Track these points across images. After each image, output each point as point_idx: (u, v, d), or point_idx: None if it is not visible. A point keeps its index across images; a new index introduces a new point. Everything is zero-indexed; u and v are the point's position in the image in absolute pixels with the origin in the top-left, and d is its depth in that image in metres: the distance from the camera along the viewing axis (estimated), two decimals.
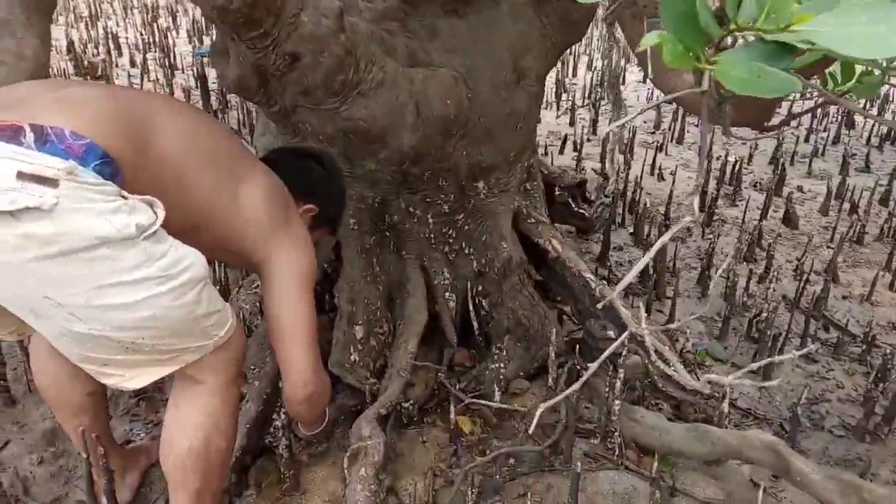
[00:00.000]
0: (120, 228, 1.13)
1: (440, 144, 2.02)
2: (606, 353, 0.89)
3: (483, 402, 1.94)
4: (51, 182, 1.09)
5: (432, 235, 2.23)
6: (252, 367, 1.88)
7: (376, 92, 1.86)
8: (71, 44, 5.87)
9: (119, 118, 1.25)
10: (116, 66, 5.82)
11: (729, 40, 0.69)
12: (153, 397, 2.04)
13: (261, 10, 1.57)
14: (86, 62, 5.31)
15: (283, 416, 1.71)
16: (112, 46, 6.18)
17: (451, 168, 2.11)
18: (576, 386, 0.92)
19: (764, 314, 2.43)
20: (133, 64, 5.81)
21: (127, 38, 6.85)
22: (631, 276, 0.78)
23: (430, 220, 2.21)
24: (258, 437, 1.84)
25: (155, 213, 1.23)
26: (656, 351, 2.11)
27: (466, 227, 2.25)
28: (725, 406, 1.91)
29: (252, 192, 1.49)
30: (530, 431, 1.97)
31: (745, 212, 3.35)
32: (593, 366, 0.89)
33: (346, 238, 2.11)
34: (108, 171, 1.17)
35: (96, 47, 6.31)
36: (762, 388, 2.24)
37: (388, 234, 2.20)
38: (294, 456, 1.78)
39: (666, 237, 0.88)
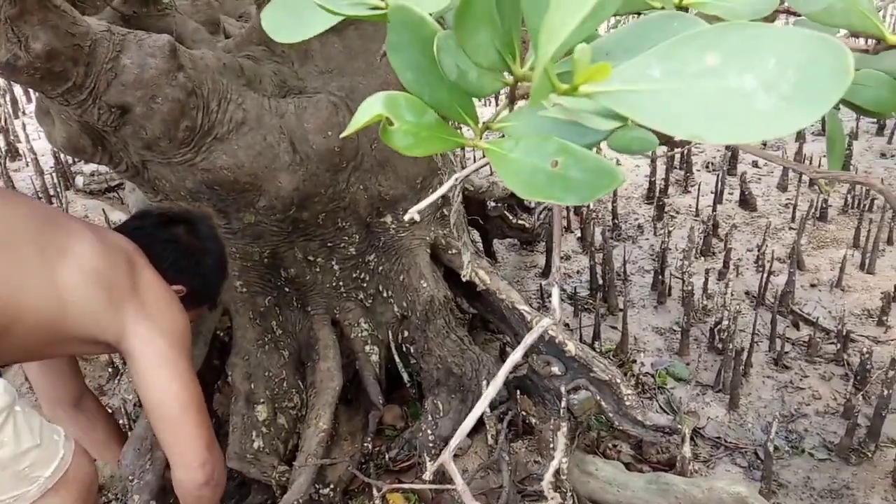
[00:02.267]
0: None
1: (329, 182, 1.73)
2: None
3: (407, 485, 1.66)
4: None
5: (341, 284, 1.94)
6: (130, 477, 1.58)
7: (237, 134, 1.57)
8: None
9: None
10: (24, 113, 5.41)
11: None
12: None
13: (62, 62, 1.28)
14: None
15: None
16: (21, 91, 5.76)
17: (348, 206, 1.82)
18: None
19: (725, 321, 2.18)
20: None
21: None
22: None
23: (336, 267, 1.92)
24: None
25: None
26: (607, 382, 1.81)
27: (380, 269, 1.97)
28: (686, 451, 1.66)
29: (72, 269, 1.19)
30: None
31: (697, 198, 3.10)
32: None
33: (234, 303, 1.81)
34: None
35: (3, 95, 5.89)
36: (731, 410, 1.99)
37: (286, 290, 1.90)
38: None
39: (517, 354, 0.62)
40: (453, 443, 0.64)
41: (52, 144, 1.58)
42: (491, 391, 0.62)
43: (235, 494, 1.71)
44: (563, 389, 1.69)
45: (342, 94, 1.72)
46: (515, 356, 0.66)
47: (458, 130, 0.48)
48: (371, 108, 0.40)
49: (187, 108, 1.46)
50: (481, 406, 0.64)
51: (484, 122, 0.47)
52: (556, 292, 0.68)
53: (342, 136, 0.44)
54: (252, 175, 1.61)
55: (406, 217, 0.61)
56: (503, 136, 0.45)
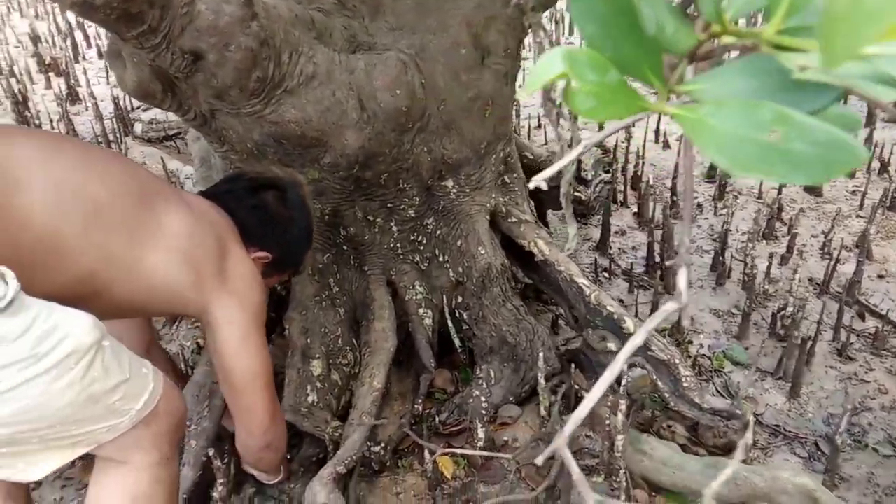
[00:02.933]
0: None
1: (394, 142, 1.70)
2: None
3: (461, 450, 1.65)
4: None
5: (398, 245, 1.92)
6: (188, 423, 1.60)
7: (307, 88, 1.54)
8: (36, 37, 5.54)
9: None
10: (84, 59, 5.49)
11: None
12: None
13: (138, 4, 1.26)
14: (48, 58, 4.98)
15: (220, 489, 1.44)
16: (81, 37, 5.84)
17: (410, 167, 1.79)
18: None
19: (789, 307, 2.10)
20: (101, 55, 5.47)
21: (95, 27, 6.49)
22: None
23: (394, 229, 1.90)
24: None
25: (6, 282, 0.97)
26: (665, 362, 1.77)
27: (438, 233, 1.94)
28: (749, 437, 1.61)
29: (160, 253, 1.21)
30: (522, 474, 1.69)
31: (760, 180, 2.99)
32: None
33: None
34: None
35: (64, 39, 5.98)
36: (792, 398, 1.94)
37: (344, 248, 1.89)
38: None
39: (638, 338, 0.59)
40: (568, 429, 0.61)
41: (121, 88, 1.58)
42: (608, 376, 0.59)
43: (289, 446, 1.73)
44: (629, 368, 1.65)
45: (412, 52, 1.68)
46: (637, 340, 0.62)
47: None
48: (552, 66, 0.37)
49: (259, 59, 1.44)
50: (601, 387, 0.61)
51: (668, 86, 0.43)
52: (683, 273, 0.64)
53: (528, 92, 0.41)
54: (319, 130, 1.59)
55: (531, 185, 0.58)
56: (691, 101, 0.41)
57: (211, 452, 1.45)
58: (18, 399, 0.97)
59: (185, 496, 1.52)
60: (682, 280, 0.64)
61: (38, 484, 1.70)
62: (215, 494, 1.45)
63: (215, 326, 1.30)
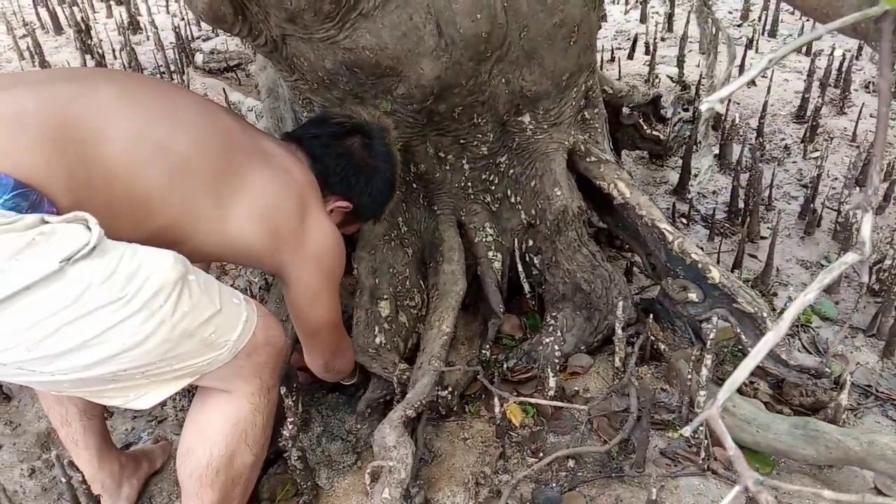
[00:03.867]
0: (34, 269, 0.91)
1: (471, 72, 1.59)
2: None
3: (533, 399, 1.59)
4: None
5: (469, 185, 1.83)
6: None
7: (383, 12, 1.44)
8: None
9: (45, 132, 0.99)
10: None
11: None
12: None
13: None
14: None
15: (290, 427, 1.42)
16: None
17: (486, 101, 1.68)
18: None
19: (887, 260, 1.95)
20: None
21: None
22: None
23: (466, 167, 1.81)
24: (269, 443, 1.56)
25: (89, 228, 0.99)
26: (750, 315, 1.66)
27: (511, 172, 1.84)
28: (844, 398, 1.50)
29: (242, 213, 1.21)
30: (595, 426, 1.63)
31: (856, 122, 2.75)
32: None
33: None
34: (25, 204, 0.94)
35: None
36: (886, 357, 1.81)
37: (414, 186, 1.82)
38: (309, 466, 1.50)
39: (810, 294, 0.52)
40: (721, 396, 0.53)
41: (191, 10, 1.50)
42: (768, 340, 0.52)
43: (360, 387, 1.71)
44: (714, 319, 1.56)
45: None
46: (809, 297, 0.53)
47: None
48: None
49: None
50: (758, 355, 0.52)
51: None
52: (868, 219, 0.54)
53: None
54: (394, 59, 1.49)
55: (703, 108, 0.48)
56: None
57: (282, 391, 1.43)
58: (114, 340, 0.98)
59: None
60: (865, 227, 0.54)
61: (110, 414, 1.73)
62: (285, 432, 1.44)
63: (288, 283, 1.33)
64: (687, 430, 0.53)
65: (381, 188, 1.49)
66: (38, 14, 4.27)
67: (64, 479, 1.33)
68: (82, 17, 3.82)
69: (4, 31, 4.12)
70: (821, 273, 0.48)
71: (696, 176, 2.39)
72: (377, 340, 1.68)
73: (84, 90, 1.08)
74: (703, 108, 0.42)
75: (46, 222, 0.95)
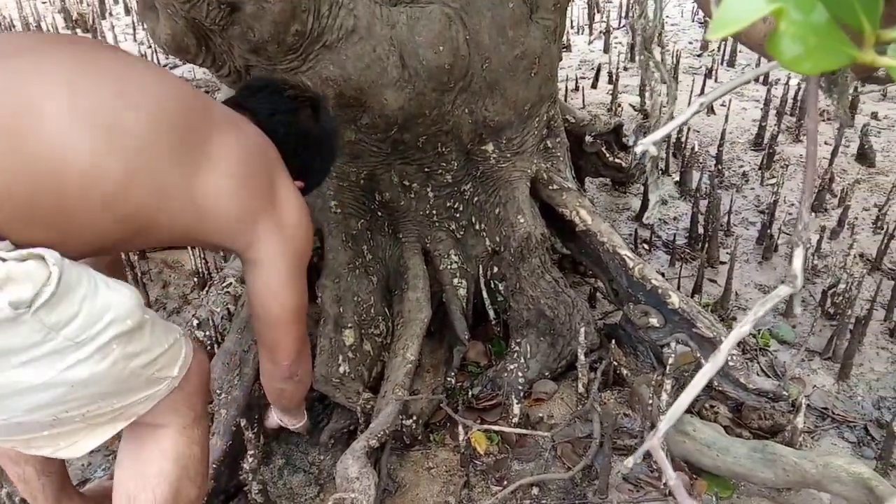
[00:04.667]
0: None
1: (435, 103, 1.61)
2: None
3: (497, 427, 1.60)
4: None
5: (434, 212, 1.85)
6: (217, 391, 1.57)
7: (346, 43, 1.46)
8: None
9: None
10: (111, 14, 5.41)
11: None
12: None
13: None
14: (75, 14, 4.91)
15: (251, 460, 1.40)
16: None
17: (450, 130, 1.71)
18: None
19: (841, 284, 2.00)
20: (128, 11, 5.39)
21: None
22: None
23: (431, 195, 1.82)
24: (229, 476, 1.54)
25: (49, 270, 0.91)
26: (710, 340, 1.69)
27: (475, 200, 1.86)
28: (800, 421, 1.54)
29: (210, 182, 1.10)
30: (558, 452, 1.64)
31: None
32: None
33: (328, 224, 1.74)
34: None
35: None
36: (841, 380, 1.85)
37: (379, 214, 1.82)
38: (270, 499, 1.48)
39: (745, 326, 0.54)
40: (662, 427, 0.54)
41: (154, 41, 1.51)
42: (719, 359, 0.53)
43: (323, 417, 1.70)
44: (673, 344, 1.58)
45: (457, 5, 1.57)
46: (744, 329, 0.55)
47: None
48: (751, 0, 0.28)
49: (298, 11, 1.35)
50: (702, 380, 0.54)
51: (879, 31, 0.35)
52: (799, 254, 0.56)
53: (715, 35, 0.32)
54: (358, 89, 1.51)
55: (638, 149, 0.50)
56: None
57: (242, 423, 1.41)
58: (66, 381, 0.95)
59: (214, 465, 1.49)
60: (797, 260, 0.56)
61: None
62: (245, 465, 1.42)
63: (259, 263, 1.21)
64: (629, 462, 0.54)
65: (327, 159, 1.44)
66: None
67: None
68: None
69: None
70: (755, 305, 0.50)
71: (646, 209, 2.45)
72: (341, 370, 1.67)
73: (27, 62, 0.98)
74: (637, 150, 0.43)
75: (2, 259, 0.88)
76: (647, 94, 3.12)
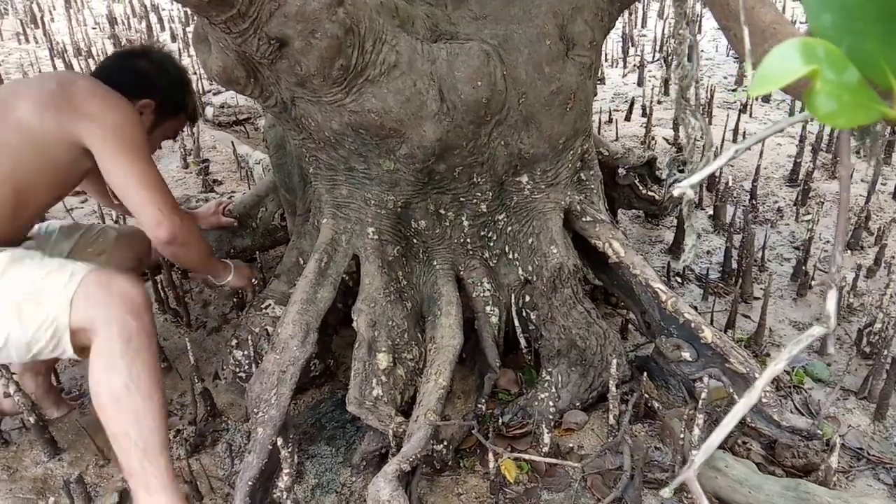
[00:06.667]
0: None
1: (471, 135, 1.66)
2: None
3: (527, 455, 1.61)
4: None
5: (468, 241, 1.89)
6: (255, 410, 1.61)
7: (388, 77, 1.52)
8: (113, 19, 5.72)
9: None
10: (158, 41, 5.62)
11: None
12: None
13: None
14: (124, 40, 5.13)
15: (286, 479, 1.44)
16: (156, 19, 5.99)
17: (486, 161, 1.75)
18: None
19: (878, 323, 1.98)
20: (174, 38, 5.61)
21: (170, 10, 6.65)
22: None
23: (465, 224, 1.86)
24: (264, 494, 1.57)
25: None
26: (743, 375, 1.68)
27: (509, 229, 1.90)
28: (834, 461, 1.52)
29: (21, 113, 1.55)
30: (588, 483, 1.64)
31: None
32: None
33: (365, 250, 1.79)
34: None
35: (140, 22, 6.14)
36: (877, 420, 1.82)
37: (414, 241, 1.87)
38: None
39: (779, 364, 0.55)
40: (698, 459, 0.56)
41: (205, 72, 1.59)
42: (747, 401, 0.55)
43: (355, 439, 1.72)
44: (706, 379, 1.58)
45: (495, 42, 1.63)
46: (778, 367, 0.57)
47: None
48: (788, 60, 0.31)
49: (344, 46, 1.42)
50: (737, 415, 0.55)
51: None
52: (832, 296, 0.58)
53: (755, 92, 0.35)
54: (398, 121, 1.56)
55: (676, 192, 0.53)
56: None
57: (279, 441, 1.45)
58: None
59: (249, 483, 1.52)
60: (830, 302, 0.58)
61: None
62: (280, 484, 1.45)
63: (96, 151, 1.54)
64: (666, 492, 0.56)
65: (173, 81, 1.87)
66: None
67: None
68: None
69: None
70: (790, 343, 0.52)
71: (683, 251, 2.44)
72: (374, 393, 1.70)
73: None
74: (675, 192, 0.46)
75: None
76: (681, 131, 3.14)
